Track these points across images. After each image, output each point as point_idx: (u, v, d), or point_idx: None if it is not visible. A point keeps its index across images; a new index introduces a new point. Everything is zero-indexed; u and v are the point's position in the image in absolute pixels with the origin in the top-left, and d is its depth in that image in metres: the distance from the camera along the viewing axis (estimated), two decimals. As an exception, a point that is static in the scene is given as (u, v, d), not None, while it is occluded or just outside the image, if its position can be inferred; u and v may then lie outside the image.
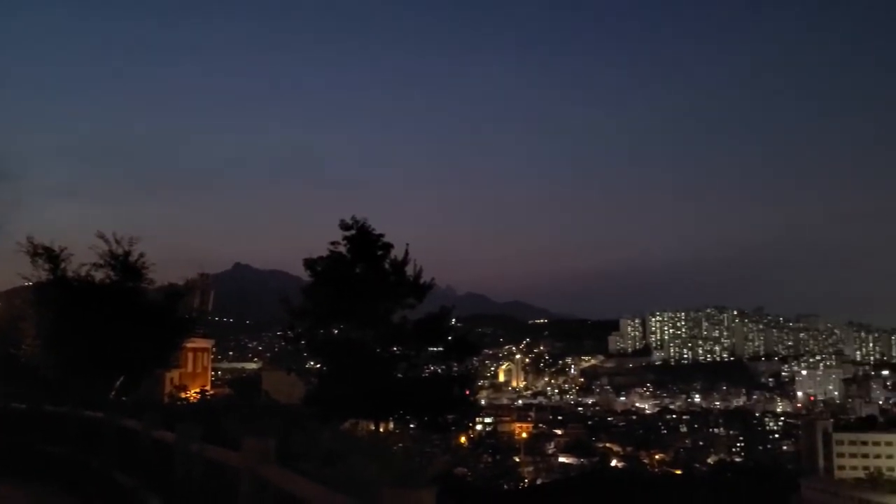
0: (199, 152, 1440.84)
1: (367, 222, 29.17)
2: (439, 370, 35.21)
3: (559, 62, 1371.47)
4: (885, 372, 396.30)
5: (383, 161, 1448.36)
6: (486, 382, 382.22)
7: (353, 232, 29.05)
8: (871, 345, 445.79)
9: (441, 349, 33.62)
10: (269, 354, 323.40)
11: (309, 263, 29.59)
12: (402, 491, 4.31)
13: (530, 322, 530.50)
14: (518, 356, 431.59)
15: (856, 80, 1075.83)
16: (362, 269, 29.63)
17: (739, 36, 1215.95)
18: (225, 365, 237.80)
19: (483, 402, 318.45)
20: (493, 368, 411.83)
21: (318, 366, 32.87)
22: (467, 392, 34.88)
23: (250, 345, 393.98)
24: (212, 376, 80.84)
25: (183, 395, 40.28)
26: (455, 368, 35.43)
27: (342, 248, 29.28)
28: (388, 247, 29.74)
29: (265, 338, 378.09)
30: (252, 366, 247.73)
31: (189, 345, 57.05)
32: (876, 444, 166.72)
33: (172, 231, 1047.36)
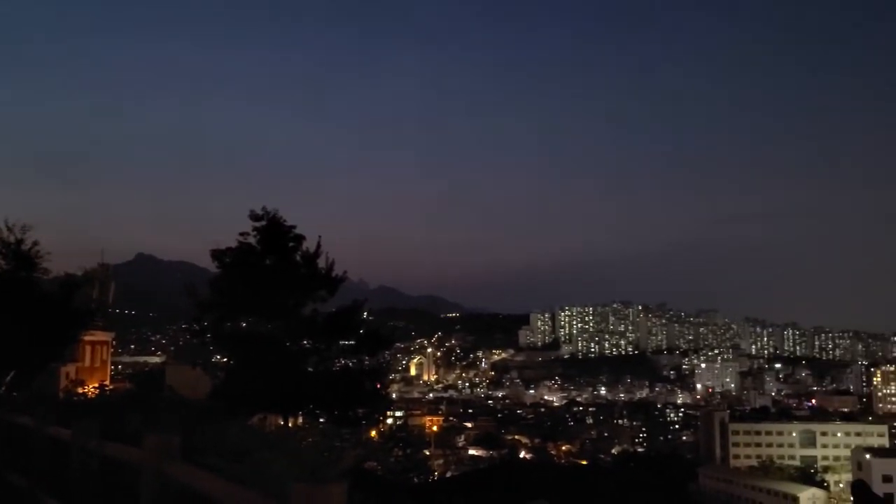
0: (102, 136, 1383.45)
1: (278, 213, 28.57)
2: (350, 364, 34.92)
3: (469, 58, 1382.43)
4: (778, 365, 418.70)
5: (296, 153, 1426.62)
6: (398, 376, 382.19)
7: (263, 223, 28.35)
8: (765, 339, 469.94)
9: (352, 343, 33.32)
10: (173, 348, 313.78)
11: (217, 254, 28.68)
12: (313, 485, 4.24)
13: (443, 316, 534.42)
14: (430, 350, 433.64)
15: (752, 83, 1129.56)
16: (273, 261, 28.99)
17: (642, 35, 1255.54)
18: (126, 359, 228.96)
19: (394, 395, 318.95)
20: (404, 362, 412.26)
21: (226, 360, 32.07)
22: (378, 386, 34.72)
23: (153, 338, 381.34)
24: (111, 370, 77.78)
25: (80, 391, 38.55)
26: (366, 362, 35.21)
27: (252, 240, 28.53)
28: (300, 239, 29.19)
29: (169, 331, 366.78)
30: (155, 360, 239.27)
31: (87, 338, 54.67)
32: (768, 433, 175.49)
33: (71, 219, 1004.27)
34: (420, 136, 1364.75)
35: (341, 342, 33.16)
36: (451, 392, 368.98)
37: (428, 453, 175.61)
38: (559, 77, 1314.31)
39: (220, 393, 28.44)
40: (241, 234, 28.33)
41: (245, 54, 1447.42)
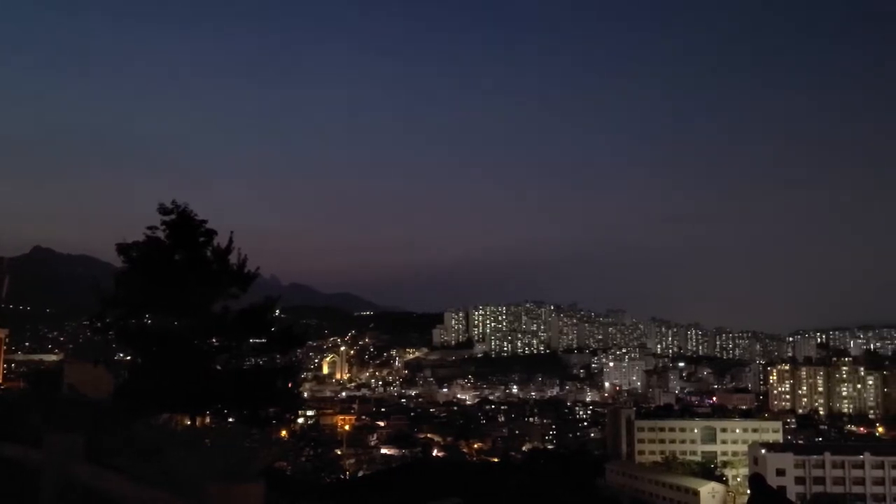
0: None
1: (188, 207, 27.61)
2: (261, 362, 34.20)
3: (381, 56, 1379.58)
4: (682, 364, 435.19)
5: (207, 147, 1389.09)
6: (310, 375, 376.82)
7: (173, 217, 27.32)
8: (670, 339, 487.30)
9: (264, 341, 32.61)
10: (71, 346, 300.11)
11: (123, 248, 27.47)
12: (231, 485, 4.14)
13: (356, 314, 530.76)
14: (343, 348, 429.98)
15: (672, 88, 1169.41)
16: (182, 257, 28.03)
17: (564, 34, 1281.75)
18: (20, 357, 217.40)
19: (306, 394, 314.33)
20: (317, 360, 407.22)
21: (130, 358, 30.89)
22: (290, 385, 34.13)
23: (50, 335, 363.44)
24: (4, 368, 74.01)
25: (-30, 390, 36.50)
26: (278, 361, 34.55)
27: (161, 234, 27.49)
28: (211, 234, 28.27)
29: (68, 328, 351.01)
30: (52, 357, 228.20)
31: (-23, 335, 51.85)
32: (672, 430, 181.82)
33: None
34: (334, 132, 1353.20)
35: (252, 340, 32.40)
36: (365, 391, 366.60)
37: (340, 453, 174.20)
38: (474, 75, 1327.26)
39: (124, 392, 27.38)
40: (149, 227, 27.26)
41: (145, 44, 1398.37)
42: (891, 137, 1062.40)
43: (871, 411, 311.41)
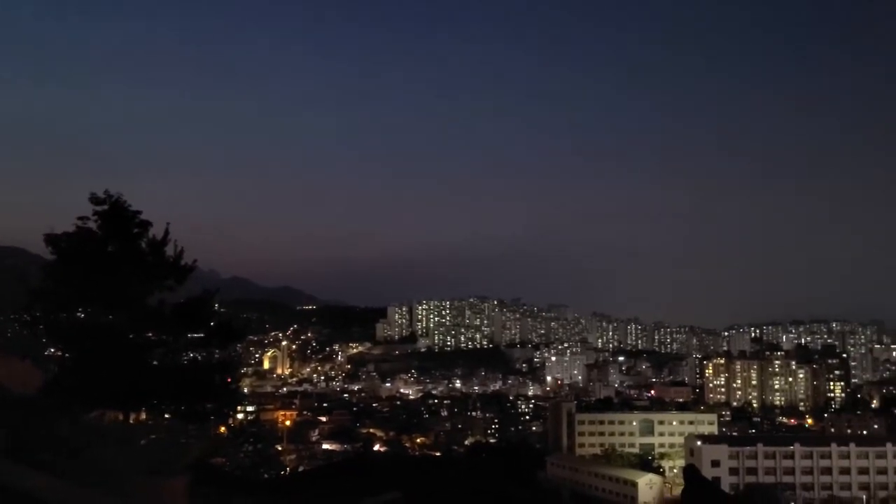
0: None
1: (122, 198, 26.68)
2: (200, 357, 33.34)
3: (335, 60, 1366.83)
4: (621, 358, 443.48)
5: (147, 137, 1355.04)
6: (250, 370, 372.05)
7: (105, 207, 26.34)
8: (610, 333, 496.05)
9: (202, 335, 31.78)
10: None
11: (52, 239, 26.37)
12: (154, 480, 4.01)
13: (298, 308, 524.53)
14: (284, 343, 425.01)
15: (615, 83, 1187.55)
16: (116, 248, 27.10)
17: (477, 31, 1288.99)
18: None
19: (246, 390, 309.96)
20: (257, 355, 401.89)
21: (60, 352, 29.80)
22: (229, 380, 33.41)
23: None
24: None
25: None
26: (217, 355, 33.71)
27: (93, 224, 26.47)
28: (146, 225, 27.35)
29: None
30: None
31: None
32: (611, 423, 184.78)
33: None
34: (276, 127, 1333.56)
35: (190, 334, 31.55)
36: (306, 386, 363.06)
37: (280, 448, 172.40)
38: (415, 72, 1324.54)
39: (53, 387, 26.39)
40: (80, 217, 26.19)
41: (76, 32, 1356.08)
42: (821, 138, 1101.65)
43: (802, 403, 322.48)
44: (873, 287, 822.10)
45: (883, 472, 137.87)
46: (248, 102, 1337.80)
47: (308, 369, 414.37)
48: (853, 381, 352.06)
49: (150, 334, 29.38)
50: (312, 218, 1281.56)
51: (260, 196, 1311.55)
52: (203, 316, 30.61)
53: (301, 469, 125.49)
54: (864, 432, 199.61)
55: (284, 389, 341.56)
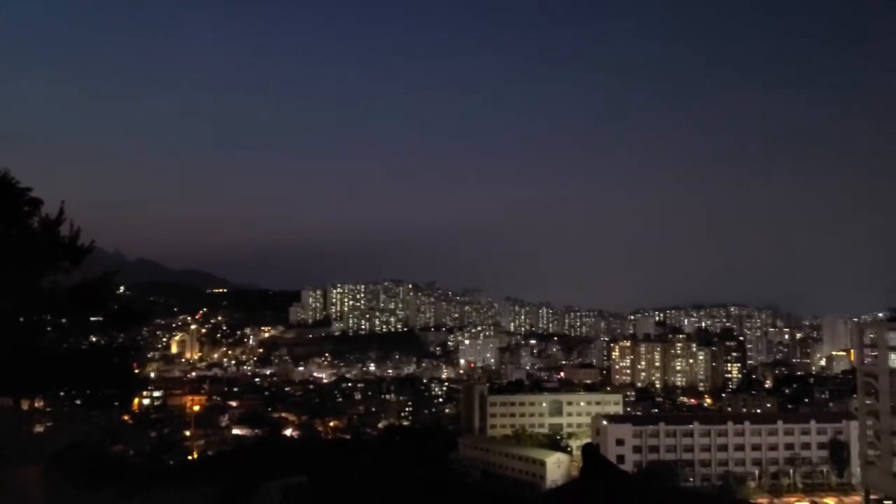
0: None
1: (9, 174, 25.22)
2: (102, 342, 31.98)
3: (254, 40, 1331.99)
4: (533, 341, 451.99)
5: (47, 114, 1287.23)
6: (157, 354, 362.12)
7: (-12, 184, 24.79)
8: (522, 317, 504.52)
9: (101, 318, 30.44)
10: None
11: (-69, 219, 24.74)
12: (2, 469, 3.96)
13: (209, 291, 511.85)
14: (193, 327, 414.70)
15: (525, 77, 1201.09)
16: (2, 228, 25.64)
17: (405, 26, 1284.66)
18: None
19: (152, 374, 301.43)
20: (165, 339, 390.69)
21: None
22: (130, 364, 32.19)
23: None
24: None
25: None
26: (121, 339, 32.37)
27: (-26, 203, 24.86)
28: (37, 203, 25.95)
29: None
30: None
31: None
32: (522, 404, 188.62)
33: None
34: (188, 105, 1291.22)
35: (89, 318, 30.19)
36: (216, 370, 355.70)
37: (188, 434, 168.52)
38: (334, 57, 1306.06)
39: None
40: (-39, 195, 24.57)
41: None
42: (723, 124, 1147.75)
43: (701, 384, 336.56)
44: (769, 273, 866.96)
45: (774, 448, 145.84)
46: (155, 82, 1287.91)
47: (218, 353, 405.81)
48: (749, 362, 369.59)
49: (44, 318, 28.05)
50: (224, 200, 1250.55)
51: (170, 177, 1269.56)
52: (101, 298, 29.38)
53: (207, 454, 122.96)
54: (758, 411, 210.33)
55: (193, 374, 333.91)
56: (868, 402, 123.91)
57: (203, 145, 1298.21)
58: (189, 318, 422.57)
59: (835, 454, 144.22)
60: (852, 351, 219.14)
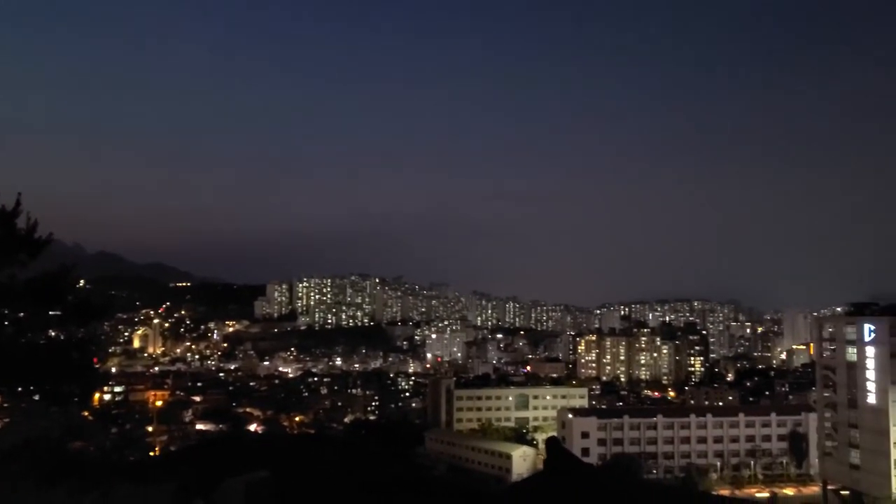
0: None
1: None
2: (61, 336, 31.29)
3: (212, 30, 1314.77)
4: (500, 335, 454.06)
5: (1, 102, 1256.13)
6: (119, 349, 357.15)
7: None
8: (489, 311, 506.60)
9: (60, 312, 29.76)
10: None
11: None
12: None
13: (172, 285, 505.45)
14: (156, 321, 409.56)
15: (499, 71, 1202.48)
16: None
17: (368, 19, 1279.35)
18: None
19: (113, 369, 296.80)
20: (127, 334, 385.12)
21: None
22: (90, 359, 31.55)
23: None
24: None
25: None
26: (81, 334, 31.71)
27: (-73, 195, 24.17)
28: (-10, 195, 25.29)
29: None
30: None
31: None
32: (488, 398, 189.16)
33: None
34: (148, 94, 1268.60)
35: (48, 312, 29.49)
36: (180, 365, 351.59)
37: (151, 429, 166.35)
38: (301, 50, 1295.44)
39: None
40: (-87, 187, 23.84)
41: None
42: (681, 123, 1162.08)
43: (665, 377, 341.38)
44: (731, 269, 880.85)
45: (735, 440, 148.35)
46: (115, 72, 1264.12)
47: (182, 348, 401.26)
48: (711, 356, 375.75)
49: (1, 311, 27.35)
50: (189, 193, 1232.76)
51: (132, 169, 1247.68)
52: (59, 292, 28.73)
53: (169, 450, 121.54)
54: (720, 404, 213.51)
55: (156, 369, 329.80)
56: (826, 394, 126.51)
57: (166, 137, 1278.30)
58: (152, 312, 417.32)
59: (794, 446, 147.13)
60: (811, 344, 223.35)
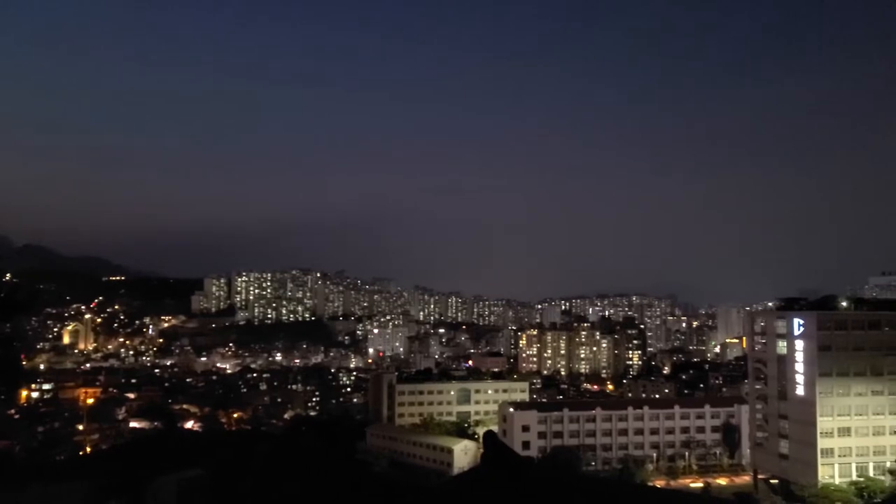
0: None
1: None
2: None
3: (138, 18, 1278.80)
4: (442, 330, 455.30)
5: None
6: (47, 345, 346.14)
7: None
8: (432, 306, 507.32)
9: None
10: None
11: None
12: None
13: (105, 279, 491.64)
14: (88, 316, 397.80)
15: (441, 65, 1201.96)
16: None
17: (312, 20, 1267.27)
18: None
19: (42, 366, 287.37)
20: (56, 329, 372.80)
21: None
22: (22, 356, 30.00)
23: None
24: None
25: None
26: (7, 329, 30.33)
27: None
28: None
29: None
30: None
31: None
32: (430, 392, 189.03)
33: None
34: (89, 80, 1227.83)
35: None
36: (113, 361, 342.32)
37: (81, 428, 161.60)
38: (238, 47, 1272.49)
39: None
40: None
41: None
42: (638, 129, 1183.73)
43: (604, 371, 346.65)
44: (669, 264, 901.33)
45: (671, 431, 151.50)
46: (45, 60, 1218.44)
47: (115, 344, 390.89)
48: (649, 349, 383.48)
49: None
50: (123, 184, 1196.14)
51: (63, 159, 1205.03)
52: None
53: (101, 449, 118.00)
54: (657, 396, 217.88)
55: (88, 366, 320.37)
56: (757, 386, 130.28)
57: (102, 129, 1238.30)
58: (83, 307, 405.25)
59: (727, 437, 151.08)
60: (744, 338, 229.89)
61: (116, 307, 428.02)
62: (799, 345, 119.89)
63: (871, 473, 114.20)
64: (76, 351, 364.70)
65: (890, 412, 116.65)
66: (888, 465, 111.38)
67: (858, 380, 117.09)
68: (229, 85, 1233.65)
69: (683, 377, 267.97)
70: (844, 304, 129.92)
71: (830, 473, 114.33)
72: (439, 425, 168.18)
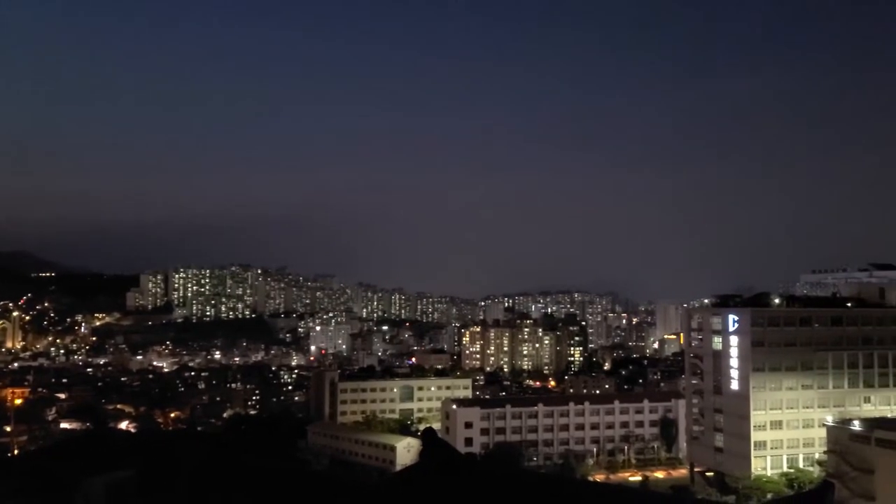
0: None
1: None
2: None
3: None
4: (385, 327, 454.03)
5: None
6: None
7: None
8: (375, 303, 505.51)
9: None
10: None
11: None
12: None
13: (34, 275, 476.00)
14: (16, 313, 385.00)
15: (359, 63, 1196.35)
16: None
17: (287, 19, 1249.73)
18: None
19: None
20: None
21: None
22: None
23: None
24: None
25: None
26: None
27: None
28: None
29: None
30: None
31: None
32: (373, 390, 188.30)
33: None
34: (11, 77, 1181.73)
35: None
36: (42, 360, 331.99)
37: (9, 429, 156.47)
38: (194, 35, 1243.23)
39: None
40: None
41: None
42: (579, 125, 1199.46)
43: (546, 367, 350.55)
44: (610, 262, 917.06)
45: (611, 426, 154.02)
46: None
47: (45, 342, 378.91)
48: (590, 345, 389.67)
49: None
50: (51, 174, 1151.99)
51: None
52: None
53: (28, 450, 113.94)
54: (598, 392, 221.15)
55: (15, 365, 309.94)
56: (694, 381, 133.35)
57: (26, 112, 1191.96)
58: (10, 305, 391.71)
59: (664, 431, 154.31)
60: (681, 334, 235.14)
61: (46, 304, 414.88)
62: (733, 341, 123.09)
63: (801, 465, 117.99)
64: (3, 350, 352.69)
65: (819, 405, 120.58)
66: (817, 456, 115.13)
67: (790, 374, 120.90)
68: (165, 81, 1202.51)
69: (623, 373, 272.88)
70: (777, 301, 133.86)
71: (763, 465, 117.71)
72: (382, 423, 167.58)
